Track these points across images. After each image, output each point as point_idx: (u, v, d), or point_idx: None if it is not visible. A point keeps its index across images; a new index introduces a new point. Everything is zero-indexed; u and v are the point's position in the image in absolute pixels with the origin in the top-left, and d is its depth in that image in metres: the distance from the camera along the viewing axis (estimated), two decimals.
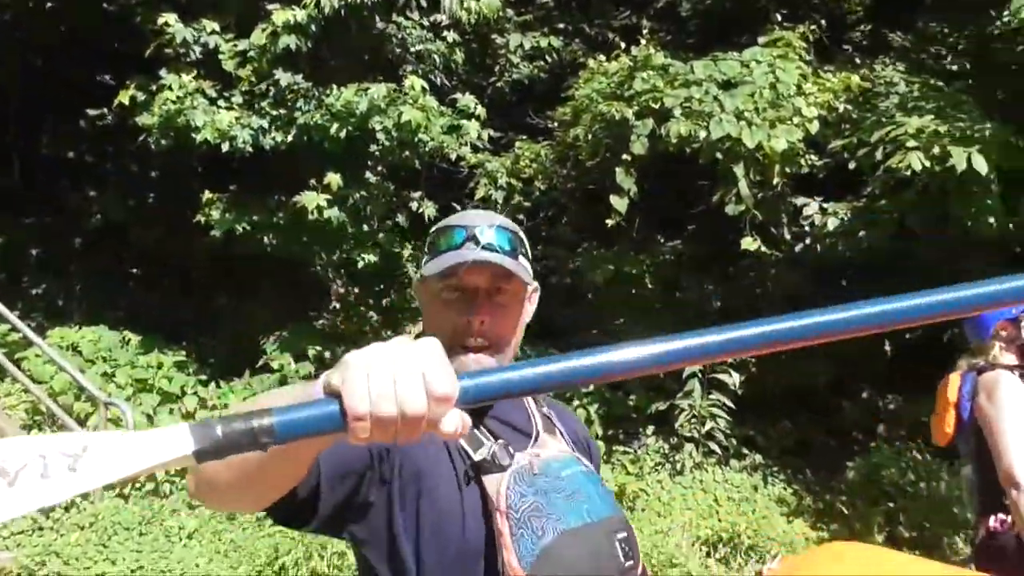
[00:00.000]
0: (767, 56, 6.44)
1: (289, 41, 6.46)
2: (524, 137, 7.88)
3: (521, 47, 8.54)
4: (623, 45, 7.43)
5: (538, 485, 1.10)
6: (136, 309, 7.70)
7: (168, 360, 6.79)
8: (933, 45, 7.86)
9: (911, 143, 5.55)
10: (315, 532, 1.09)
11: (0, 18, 8.22)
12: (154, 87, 6.65)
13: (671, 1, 8.64)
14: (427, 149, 6.92)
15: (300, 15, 6.42)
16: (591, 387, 6.17)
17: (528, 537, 1.04)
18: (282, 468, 0.83)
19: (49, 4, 7.82)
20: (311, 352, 6.89)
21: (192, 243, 7.43)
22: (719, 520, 5.24)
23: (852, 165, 6.16)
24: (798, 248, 6.77)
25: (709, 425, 5.88)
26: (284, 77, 6.64)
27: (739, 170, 5.96)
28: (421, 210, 7.56)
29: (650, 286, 7.21)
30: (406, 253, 7.92)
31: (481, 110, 7.17)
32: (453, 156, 7.22)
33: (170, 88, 6.47)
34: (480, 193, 7.28)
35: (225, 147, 6.46)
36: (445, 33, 7.92)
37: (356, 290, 8.02)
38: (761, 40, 6.81)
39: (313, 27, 6.54)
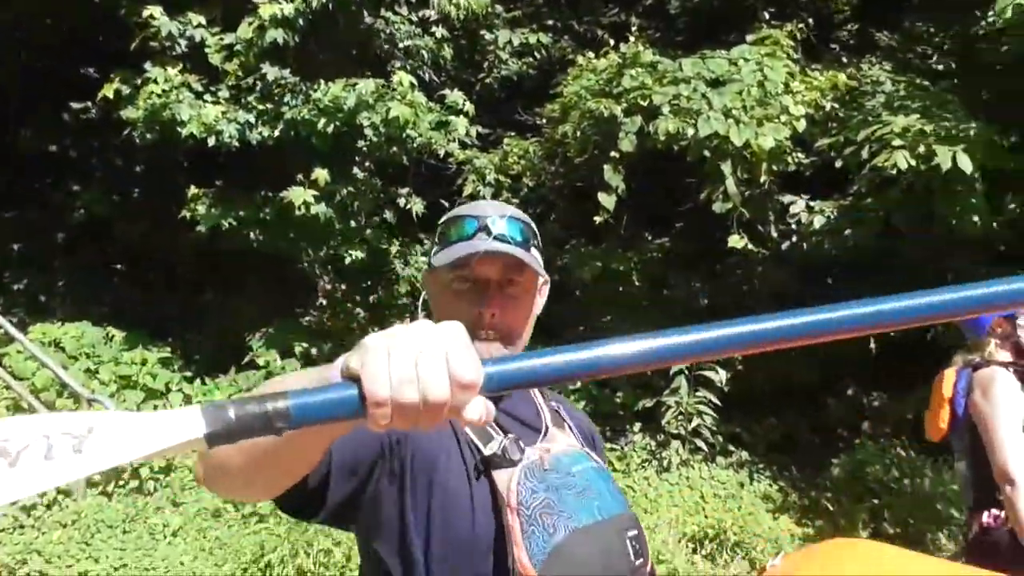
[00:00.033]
0: (755, 54, 6.46)
1: (276, 35, 6.41)
2: (512, 134, 7.87)
3: (510, 43, 8.52)
4: (612, 42, 7.43)
5: (549, 481, 1.08)
6: (120, 305, 7.63)
7: (153, 356, 6.73)
8: (919, 45, 7.91)
9: (897, 142, 5.58)
10: (322, 523, 1.08)
11: None
12: (139, 81, 6.59)
13: None
14: (415, 145, 6.90)
15: (287, 9, 6.37)
16: (578, 383, 6.17)
17: (539, 534, 1.03)
18: (296, 455, 0.80)
19: None
20: (297, 349, 6.85)
21: (177, 238, 7.37)
22: (705, 517, 5.26)
23: (838, 163, 6.19)
24: (785, 246, 6.80)
25: (696, 422, 5.90)
26: (271, 71, 6.59)
27: (726, 168, 5.97)
28: (409, 206, 7.54)
29: (637, 283, 7.23)
30: (393, 249, 7.89)
31: (469, 106, 7.15)
32: (441, 152, 7.20)
33: (155, 82, 6.41)
34: (468, 189, 7.26)
35: (211, 141, 6.40)
36: (434, 28, 7.89)
37: (343, 286, 7.99)
38: (749, 38, 6.83)
39: (300, 21, 6.50)
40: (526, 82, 8.63)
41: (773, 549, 4.91)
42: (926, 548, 5.11)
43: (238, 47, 6.62)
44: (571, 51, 8.32)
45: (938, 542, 5.16)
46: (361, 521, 1.08)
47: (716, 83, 6.27)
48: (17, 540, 4.80)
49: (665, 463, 5.99)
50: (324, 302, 7.90)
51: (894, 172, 5.55)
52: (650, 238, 7.72)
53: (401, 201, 7.64)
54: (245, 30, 6.52)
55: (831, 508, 5.48)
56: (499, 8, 8.59)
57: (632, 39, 7.15)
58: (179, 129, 6.29)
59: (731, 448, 6.24)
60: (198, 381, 6.69)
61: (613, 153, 6.28)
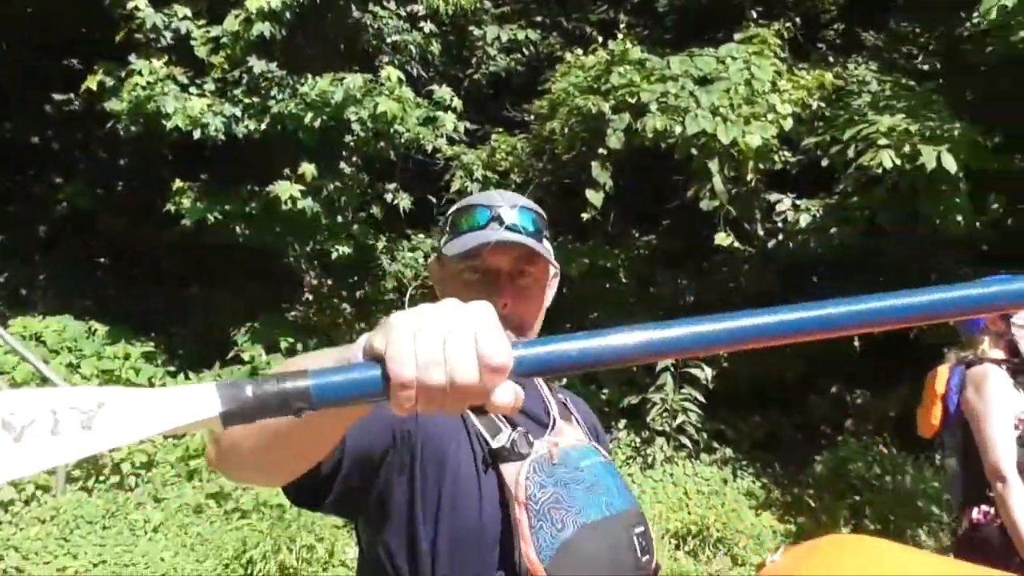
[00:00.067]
0: (743, 53, 6.48)
1: (263, 28, 6.36)
2: (500, 130, 7.85)
3: (498, 39, 8.50)
4: (600, 39, 7.43)
5: (558, 476, 1.08)
6: (103, 299, 7.57)
7: (136, 351, 6.68)
8: (905, 45, 7.96)
9: (882, 141, 5.62)
10: (326, 513, 1.06)
11: None
12: (123, 73, 6.52)
13: None
14: (403, 140, 6.87)
15: (274, 2, 6.32)
16: (565, 379, 6.17)
17: (547, 530, 1.02)
18: (313, 438, 0.77)
19: None
20: (283, 344, 6.82)
21: (162, 232, 7.31)
22: (688, 513, 5.28)
23: (825, 162, 6.22)
24: (771, 244, 6.83)
25: (680, 419, 5.92)
26: (258, 65, 6.54)
27: (714, 166, 5.99)
28: (396, 202, 7.52)
29: (624, 280, 7.24)
30: (380, 245, 7.87)
31: (457, 102, 7.13)
32: (429, 148, 7.18)
33: (140, 74, 6.35)
34: (456, 185, 7.24)
35: (197, 135, 6.35)
36: (422, 24, 7.86)
37: (329, 282, 7.95)
38: (737, 37, 6.85)
39: (287, 15, 6.45)
40: (514, 78, 8.62)
41: (755, 545, 4.94)
42: (906, 544, 5.15)
43: (224, 40, 6.56)
44: (559, 48, 8.31)
45: (918, 538, 5.20)
46: (368, 511, 1.06)
47: (704, 81, 6.28)
48: None
49: (649, 460, 6.00)
50: (310, 297, 7.86)
51: (879, 171, 5.58)
52: (637, 235, 7.73)
53: (388, 196, 7.61)
54: (231, 23, 6.47)
55: (813, 505, 5.52)
56: (488, 4, 8.57)
57: (620, 36, 7.14)
58: (164, 122, 6.23)
59: (715, 445, 6.26)
60: (181, 376, 6.63)
61: (601, 150, 6.28)
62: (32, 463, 0.49)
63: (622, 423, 6.44)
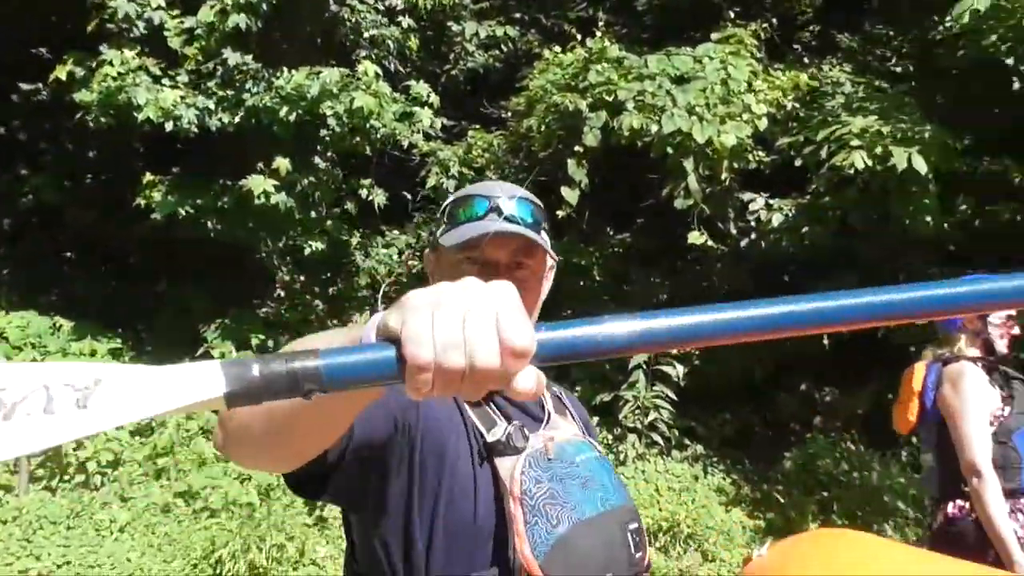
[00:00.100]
0: (719, 53, 6.51)
1: (239, 19, 6.28)
2: (477, 126, 7.83)
3: (477, 36, 8.48)
4: (579, 37, 7.43)
5: (554, 471, 1.07)
6: (69, 294, 7.43)
7: (102, 347, 6.57)
8: (878, 48, 8.05)
9: (855, 142, 5.68)
10: (325, 501, 1.04)
11: None
12: (94, 63, 6.40)
13: None
14: (379, 136, 6.82)
15: None
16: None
17: (542, 525, 1.01)
18: (326, 422, 0.74)
19: None
20: (254, 341, 6.74)
21: (132, 226, 7.20)
22: (660, 509, 5.31)
23: (798, 162, 6.28)
24: (743, 243, 6.88)
25: (652, 416, 5.95)
26: (233, 57, 6.45)
27: (689, 164, 6.02)
28: (371, 198, 7.46)
29: (598, 278, 7.25)
30: (354, 241, 7.81)
31: (434, 98, 7.09)
32: (405, 144, 7.13)
33: (111, 64, 6.24)
34: (431, 181, 7.21)
35: (169, 127, 6.25)
36: (400, 18, 7.81)
37: (301, 278, 7.88)
38: (714, 36, 6.89)
39: (263, 6, 6.38)
40: (492, 75, 8.60)
41: (725, 541, 4.98)
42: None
43: (199, 31, 6.46)
44: (538, 45, 8.31)
45: (884, 533, 5.26)
46: (366, 503, 1.04)
47: (680, 80, 6.31)
48: None
49: (621, 456, 6.02)
50: (282, 293, 7.78)
51: (851, 172, 5.65)
52: (612, 233, 7.75)
53: (363, 192, 7.55)
54: (206, 13, 6.37)
55: (782, 501, 5.57)
56: (466, 0, 8.54)
57: (599, 34, 7.16)
58: (135, 114, 6.13)
59: (687, 442, 6.31)
60: None
61: (577, 148, 6.29)
62: (23, 443, 0.45)
63: (595, 420, 6.45)
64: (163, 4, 6.50)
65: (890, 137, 5.64)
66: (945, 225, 5.96)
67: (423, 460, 1.03)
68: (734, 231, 6.88)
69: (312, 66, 6.50)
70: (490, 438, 1.07)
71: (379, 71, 6.80)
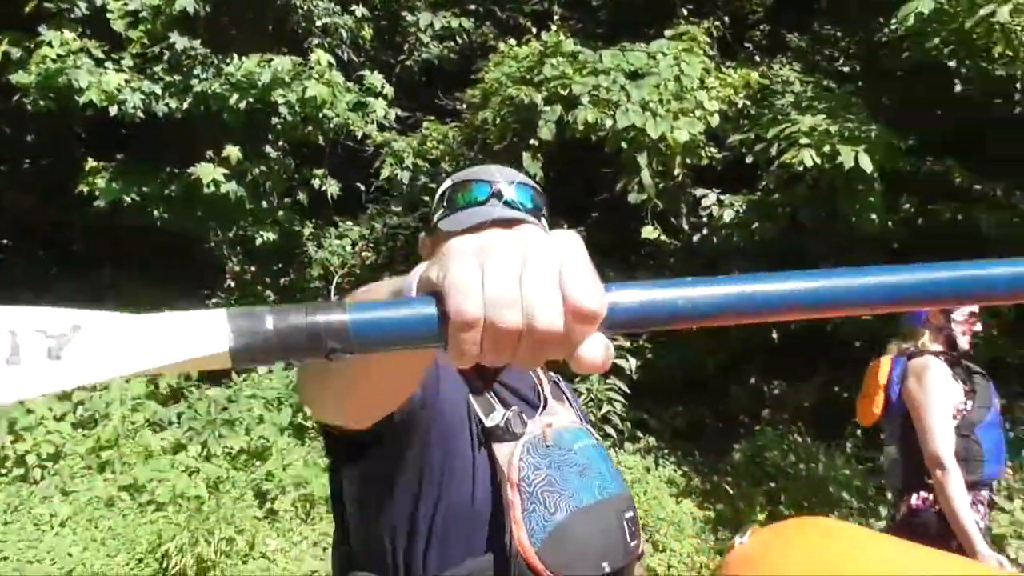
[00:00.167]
0: (673, 49, 6.58)
1: (185, 3, 6.12)
2: (432, 118, 7.77)
3: (431, 26, 8.41)
4: (534, 30, 7.43)
5: (552, 457, 1.06)
6: (7, 282, 7.16)
7: None
8: (827, 48, 8.24)
9: (804, 140, 5.80)
10: (353, 469, 1.01)
11: None
12: (31, 44, 6.17)
13: None
14: (332, 126, 6.73)
15: None
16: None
17: (540, 512, 1.00)
18: (401, 370, 0.68)
19: None
20: None
21: (73, 212, 6.96)
22: None
23: (749, 159, 6.38)
24: (695, 238, 6.98)
25: (605, 409, 5.99)
26: (180, 41, 6.29)
27: (642, 159, 6.07)
28: (324, 188, 7.36)
29: None
30: (306, 232, 7.70)
31: (389, 88, 7.03)
32: (359, 134, 7.05)
33: (50, 45, 6.02)
34: (385, 172, 7.13)
35: (113, 111, 6.07)
36: (353, 7, 7.70)
37: (252, 268, 7.74)
38: (667, 33, 6.95)
39: None
40: (447, 66, 8.54)
41: (675, 532, 5.05)
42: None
43: (144, 13, 6.28)
44: (493, 37, 8.28)
45: None
46: (379, 480, 1.02)
47: (635, 75, 6.35)
48: None
49: None
50: (232, 284, 7.63)
51: (800, 169, 5.76)
52: (566, 227, 7.75)
53: (316, 182, 7.45)
54: None
55: (731, 492, 5.68)
56: None
57: (554, 28, 7.16)
58: (76, 97, 5.93)
59: (639, 434, 6.38)
60: None
61: (532, 141, 6.29)
62: None
63: None
64: None
65: (838, 136, 5.77)
66: (889, 223, 6.13)
67: (433, 444, 1.02)
68: (686, 226, 6.97)
69: (263, 53, 6.37)
70: (488, 423, 1.06)
71: (332, 60, 6.70)
